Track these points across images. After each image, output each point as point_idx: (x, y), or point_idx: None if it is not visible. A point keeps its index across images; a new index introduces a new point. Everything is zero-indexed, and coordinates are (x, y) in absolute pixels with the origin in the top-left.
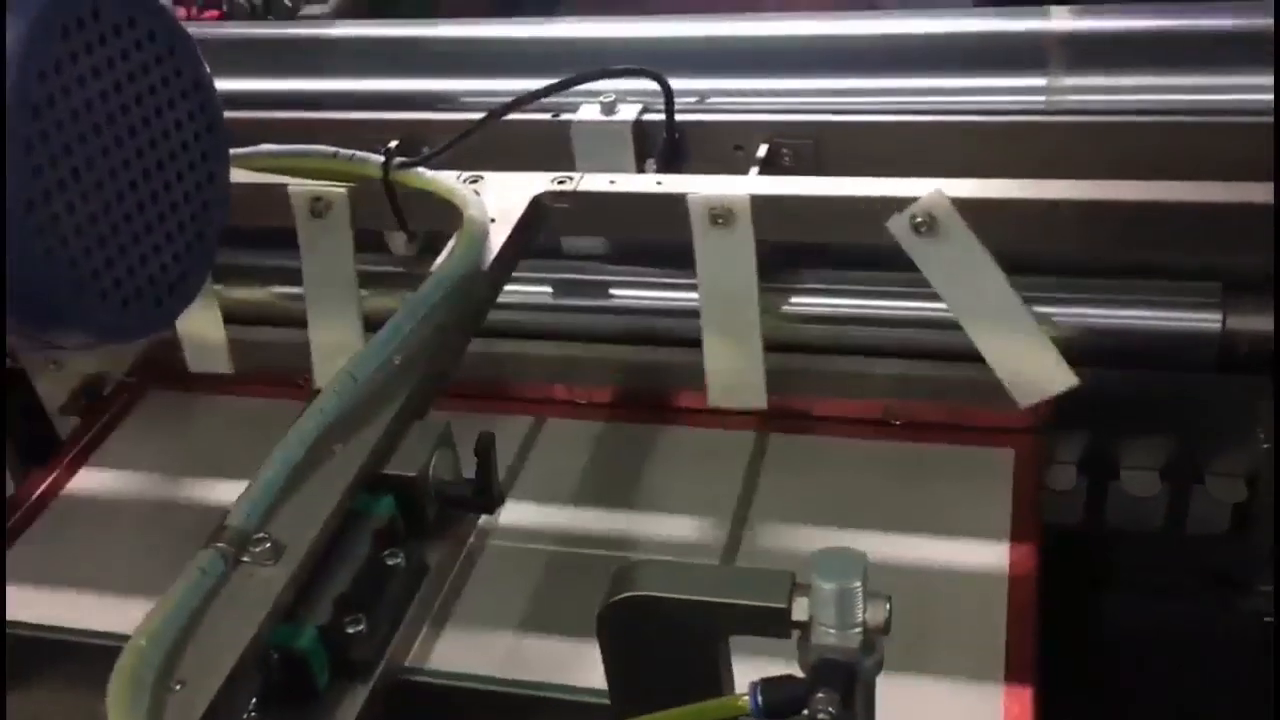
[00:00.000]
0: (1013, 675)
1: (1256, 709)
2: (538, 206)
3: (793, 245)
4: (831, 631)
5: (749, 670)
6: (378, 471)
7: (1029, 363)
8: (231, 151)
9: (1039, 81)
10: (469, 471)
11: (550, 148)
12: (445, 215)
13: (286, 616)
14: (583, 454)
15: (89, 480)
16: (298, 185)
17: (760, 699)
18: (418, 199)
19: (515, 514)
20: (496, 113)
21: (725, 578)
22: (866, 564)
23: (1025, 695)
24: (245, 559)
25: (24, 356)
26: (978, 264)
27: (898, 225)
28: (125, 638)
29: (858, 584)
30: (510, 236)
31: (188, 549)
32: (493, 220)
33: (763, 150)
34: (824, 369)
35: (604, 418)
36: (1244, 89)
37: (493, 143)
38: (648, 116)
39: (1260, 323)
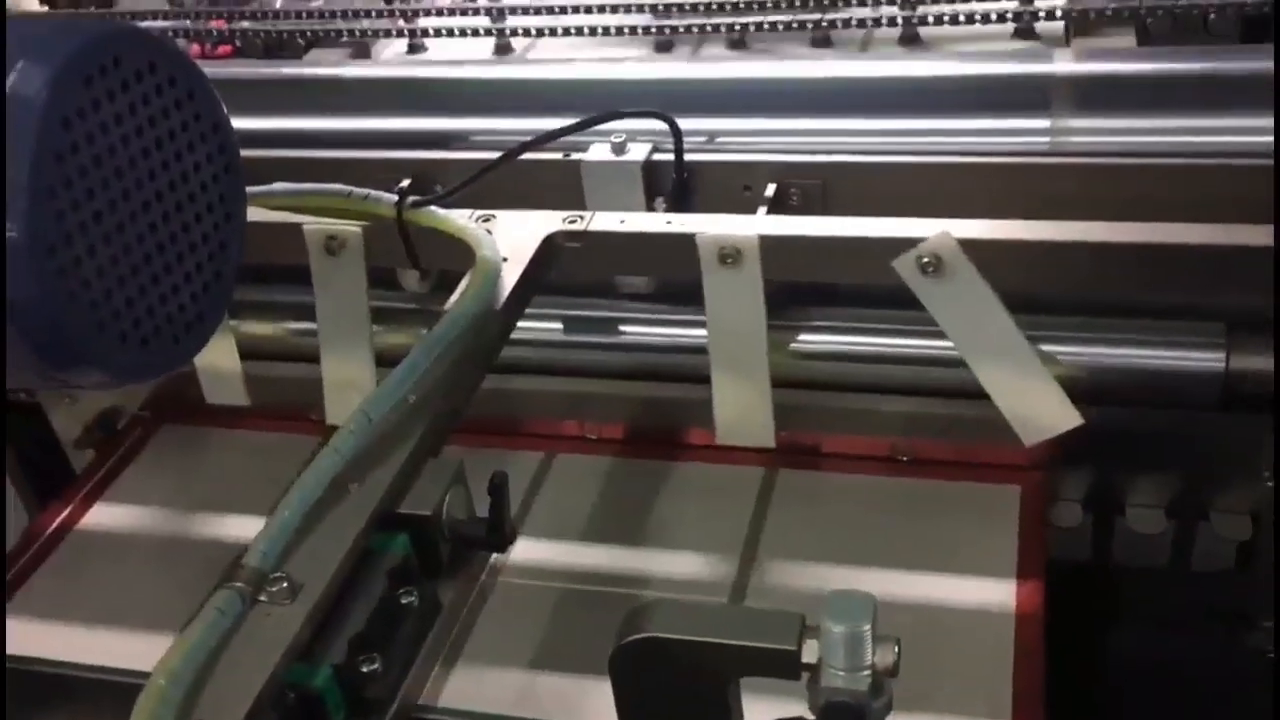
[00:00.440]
0: (1020, 714)
1: None
2: (549, 245)
3: (801, 283)
4: (841, 674)
5: (760, 710)
6: (392, 510)
7: (1034, 401)
8: (247, 190)
9: (1043, 123)
10: (480, 508)
11: (561, 186)
12: (457, 253)
13: (302, 656)
14: (592, 490)
15: (104, 515)
16: (312, 224)
17: None
18: (430, 237)
19: (525, 550)
20: (512, 153)
21: (736, 619)
22: (876, 606)
23: None
24: (262, 598)
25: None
26: (983, 304)
27: (905, 265)
28: (141, 674)
29: (867, 627)
30: (522, 276)
31: (202, 584)
32: (505, 259)
33: (771, 190)
34: (831, 406)
35: (613, 453)
36: (1245, 131)
37: (504, 181)
38: (657, 156)
39: (1264, 362)
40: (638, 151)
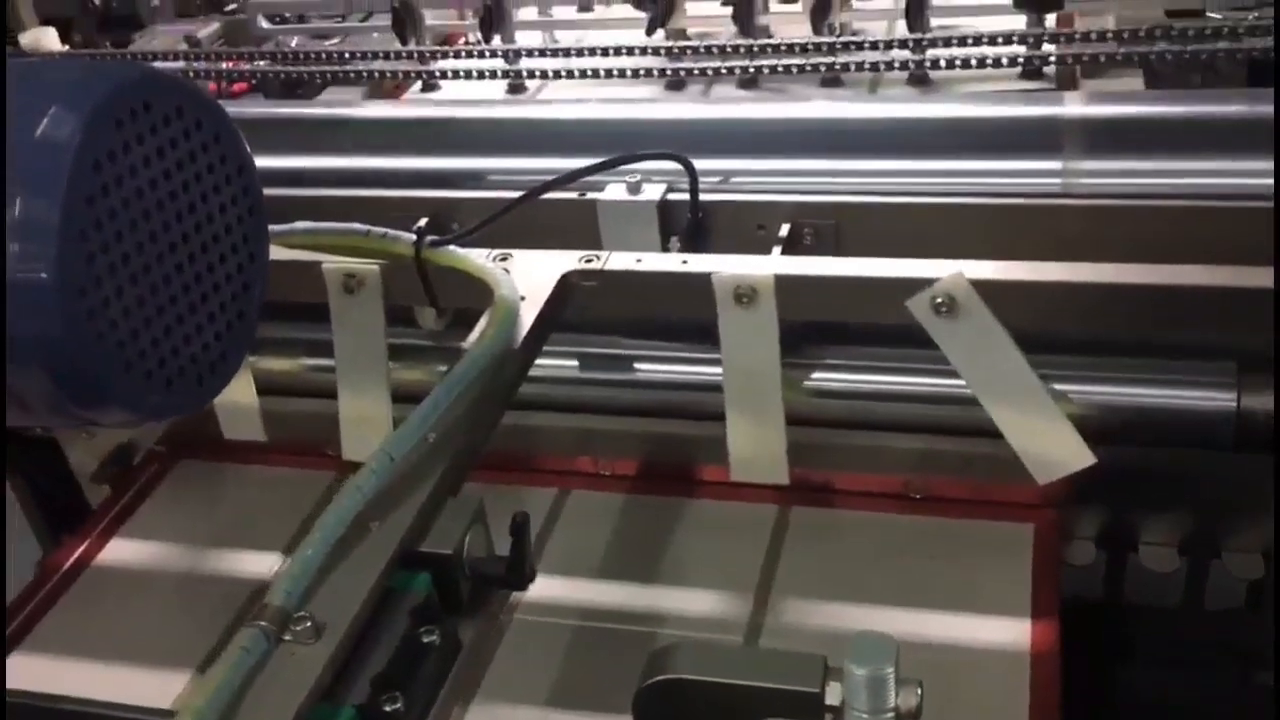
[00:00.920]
0: None
1: None
2: (566, 285)
3: (813, 321)
4: (864, 716)
5: None
6: (414, 549)
7: (1047, 441)
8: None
9: (1055, 165)
10: (499, 544)
11: (577, 225)
12: (474, 292)
13: (325, 696)
14: (607, 526)
15: (120, 550)
16: (331, 263)
17: None
18: (447, 276)
19: (541, 587)
20: (532, 193)
21: (759, 661)
22: (898, 649)
23: None
24: (287, 638)
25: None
26: (996, 344)
27: (918, 305)
28: (157, 712)
29: (890, 670)
30: (539, 315)
31: (218, 620)
32: (522, 298)
33: (785, 230)
34: (845, 444)
35: (628, 490)
36: (1254, 174)
37: (519, 219)
38: (672, 196)
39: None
40: (653, 191)
